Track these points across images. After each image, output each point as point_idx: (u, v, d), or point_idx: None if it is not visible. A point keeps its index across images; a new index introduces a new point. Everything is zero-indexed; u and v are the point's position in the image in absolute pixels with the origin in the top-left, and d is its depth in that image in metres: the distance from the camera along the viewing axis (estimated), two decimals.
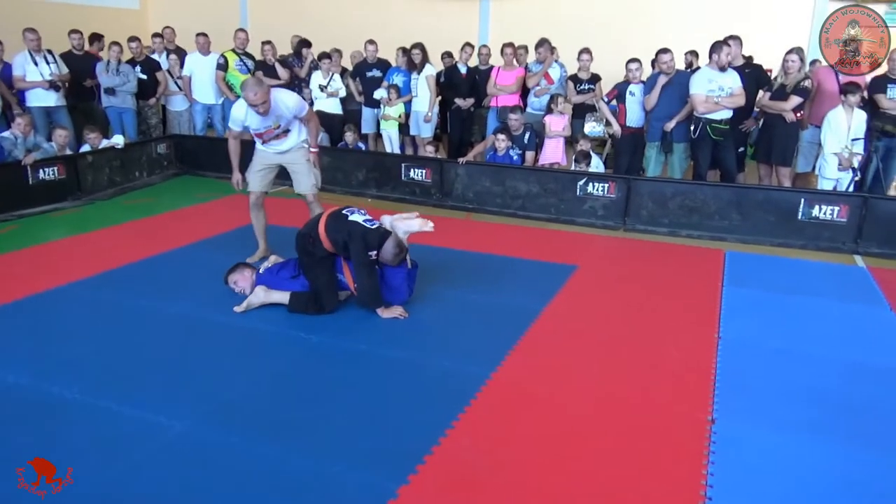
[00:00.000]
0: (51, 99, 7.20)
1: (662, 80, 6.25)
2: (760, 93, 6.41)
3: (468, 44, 7.94)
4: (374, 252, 3.67)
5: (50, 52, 7.27)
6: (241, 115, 4.49)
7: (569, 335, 3.69)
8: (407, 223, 3.84)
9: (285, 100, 4.49)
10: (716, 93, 5.90)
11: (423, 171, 6.87)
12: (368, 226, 3.74)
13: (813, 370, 3.34)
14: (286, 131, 4.60)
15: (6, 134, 6.20)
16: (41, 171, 6.20)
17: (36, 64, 7.07)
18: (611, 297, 4.32)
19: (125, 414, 2.76)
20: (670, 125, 6.30)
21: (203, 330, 3.65)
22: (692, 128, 6.08)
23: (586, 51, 7.18)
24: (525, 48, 7.78)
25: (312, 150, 4.77)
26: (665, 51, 6.30)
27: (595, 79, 7.17)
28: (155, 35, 8.84)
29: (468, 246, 5.27)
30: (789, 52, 6.16)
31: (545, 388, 3.09)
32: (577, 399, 3.00)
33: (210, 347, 3.45)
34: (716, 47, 5.92)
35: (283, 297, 3.87)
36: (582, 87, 7.17)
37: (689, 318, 3.97)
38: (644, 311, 4.06)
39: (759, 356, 3.50)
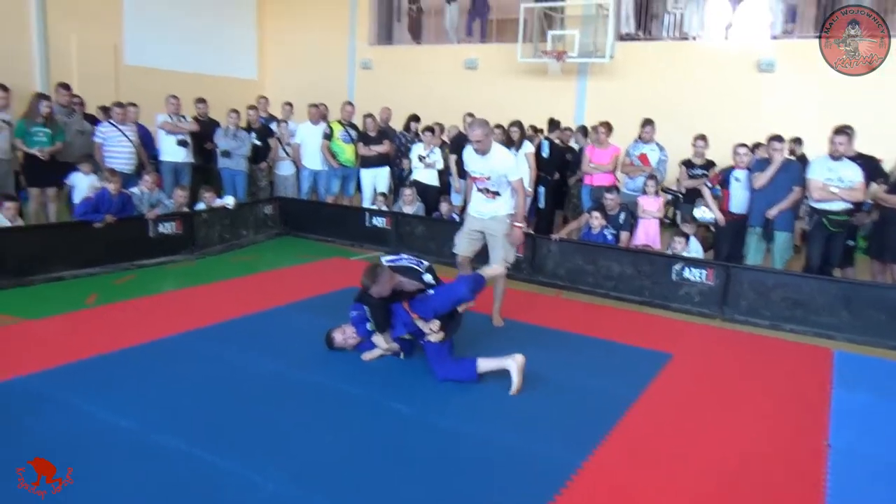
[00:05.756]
0: (180, 155, 7.86)
1: (781, 161, 6.14)
2: (874, 185, 6.15)
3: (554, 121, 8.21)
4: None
5: (184, 116, 8.05)
6: (467, 155, 4.86)
7: (666, 430, 3.54)
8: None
9: (504, 156, 4.75)
10: (833, 182, 5.72)
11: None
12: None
13: None
14: (496, 193, 4.77)
15: (134, 190, 6.77)
16: (161, 225, 6.70)
17: None
18: (709, 391, 4.14)
19: (224, 468, 2.86)
20: (772, 212, 6.11)
21: (298, 389, 3.76)
22: (807, 218, 5.88)
23: (702, 137, 7.20)
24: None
25: (517, 224, 4.85)
26: (779, 138, 6.19)
27: (709, 165, 7.13)
28: (261, 97, 9.60)
29: (558, 324, 5.21)
30: None
31: (641, 486, 2.96)
32: (674, 502, 2.86)
33: (304, 407, 3.55)
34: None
35: (380, 340, 4.25)
36: (695, 172, 7.13)
37: (795, 422, 3.73)
38: (746, 410, 3.86)
39: (875, 470, 3.23)
